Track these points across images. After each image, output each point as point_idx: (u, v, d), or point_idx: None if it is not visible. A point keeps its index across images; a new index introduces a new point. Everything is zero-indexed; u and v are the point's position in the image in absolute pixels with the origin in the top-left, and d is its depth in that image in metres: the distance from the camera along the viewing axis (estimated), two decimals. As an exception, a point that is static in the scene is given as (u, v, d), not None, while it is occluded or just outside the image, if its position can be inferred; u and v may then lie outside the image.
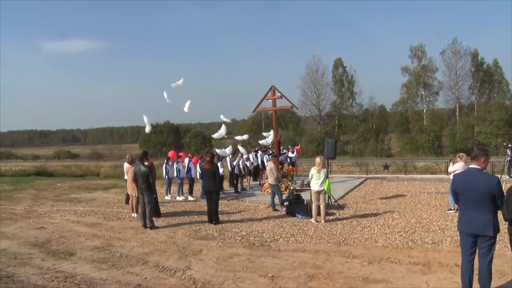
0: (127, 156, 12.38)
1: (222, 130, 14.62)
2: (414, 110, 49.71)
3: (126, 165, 12.37)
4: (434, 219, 9.75)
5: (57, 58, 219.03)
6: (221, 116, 15.56)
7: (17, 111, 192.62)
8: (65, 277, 6.18)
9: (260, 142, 17.28)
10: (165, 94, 14.30)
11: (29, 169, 28.00)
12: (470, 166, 5.03)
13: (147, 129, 14.68)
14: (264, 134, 17.84)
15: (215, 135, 15.05)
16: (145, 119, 14.18)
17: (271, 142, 16.54)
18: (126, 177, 11.98)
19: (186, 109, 14.37)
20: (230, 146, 15.38)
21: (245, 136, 16.73)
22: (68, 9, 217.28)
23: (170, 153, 14.72)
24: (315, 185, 9.86)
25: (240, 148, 15.50)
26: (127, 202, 13.38)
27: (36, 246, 8.18)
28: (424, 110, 49.32)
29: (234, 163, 15.29)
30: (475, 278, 4.86)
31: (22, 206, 13.47)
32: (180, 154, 14.95)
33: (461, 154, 10.75)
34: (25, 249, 7.97)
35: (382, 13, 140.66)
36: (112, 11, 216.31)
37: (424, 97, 49.50)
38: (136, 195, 10.55)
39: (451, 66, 47.39)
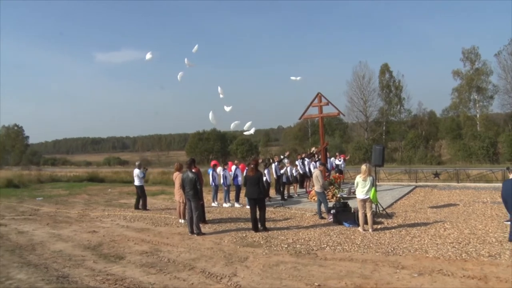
0: (175, 164, 12.53)
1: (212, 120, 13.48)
2: (466, 115, 47.89)
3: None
4: (490, 230, 9.26)
5: (108, 67, 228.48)
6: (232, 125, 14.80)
7: (72, 119, 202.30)
8: (115, 279, 6.36)
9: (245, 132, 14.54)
10: (186, 60, 13.77)
11: (82, 175, 29.21)
12: None
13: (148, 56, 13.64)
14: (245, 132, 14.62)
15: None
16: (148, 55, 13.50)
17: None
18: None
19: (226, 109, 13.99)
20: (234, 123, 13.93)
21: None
22: (117, 20, 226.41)
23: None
24: (360, 193, 9.65)
25: (285, 160, 15.48)
26: (136, 207, 13.71)
27: (89, 249, 8.49)
28: (478, 115, 47.32)
29: (282, 171, 15.25)
30: None
31: (76, 210, 14.07)
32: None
33: (519, 161, 10.12)
34: (78, 251, 8.29)
35: (431, 14, 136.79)
36: (157, 19, 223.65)
37: (477, 101, 47.54)
38: (183, 201, 10.75)
39: (508, 68, 45.23)
